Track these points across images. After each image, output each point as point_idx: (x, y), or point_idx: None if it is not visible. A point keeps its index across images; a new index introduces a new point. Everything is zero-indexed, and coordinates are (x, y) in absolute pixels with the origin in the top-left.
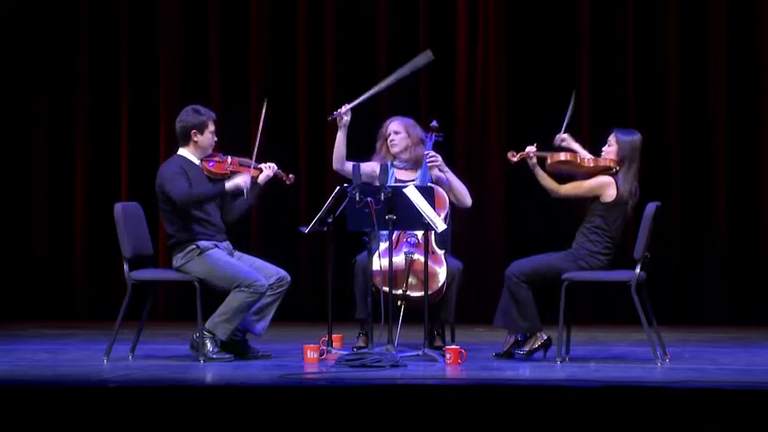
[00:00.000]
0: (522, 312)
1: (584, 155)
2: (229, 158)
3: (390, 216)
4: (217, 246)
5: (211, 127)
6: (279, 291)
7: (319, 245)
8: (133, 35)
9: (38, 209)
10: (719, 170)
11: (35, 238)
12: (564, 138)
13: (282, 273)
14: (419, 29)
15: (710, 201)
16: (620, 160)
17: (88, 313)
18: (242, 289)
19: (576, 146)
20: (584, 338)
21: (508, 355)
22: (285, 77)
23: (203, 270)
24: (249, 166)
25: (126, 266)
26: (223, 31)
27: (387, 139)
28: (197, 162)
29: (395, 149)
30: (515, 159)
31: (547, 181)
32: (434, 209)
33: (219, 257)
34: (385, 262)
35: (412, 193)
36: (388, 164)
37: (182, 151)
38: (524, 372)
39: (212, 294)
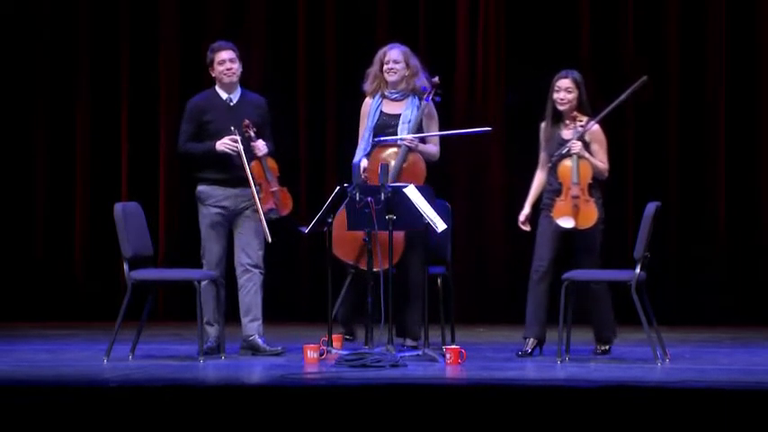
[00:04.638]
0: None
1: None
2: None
3: (390, 216)
4: (214, 207)
5: (217, 59)
6: (255, 282)
7: (319, 245)
8: (133, 35)
9: (38, 209)
10: (719, 170)
11: (35, 238)
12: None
13: (253, 266)
14: (419, 27)
15: (710, 201)
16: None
17: (88, 313)
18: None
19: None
20: (584, 338)
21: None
22: (285, 77)
23: (200, 220)
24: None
25: (126, 266)
26: (223, 32)
27: (384, 66)
28: (224, 96)
29: (392, 78)
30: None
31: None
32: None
33: (206, 225)
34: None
35: (412, 193)
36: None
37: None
38: (524, 372)
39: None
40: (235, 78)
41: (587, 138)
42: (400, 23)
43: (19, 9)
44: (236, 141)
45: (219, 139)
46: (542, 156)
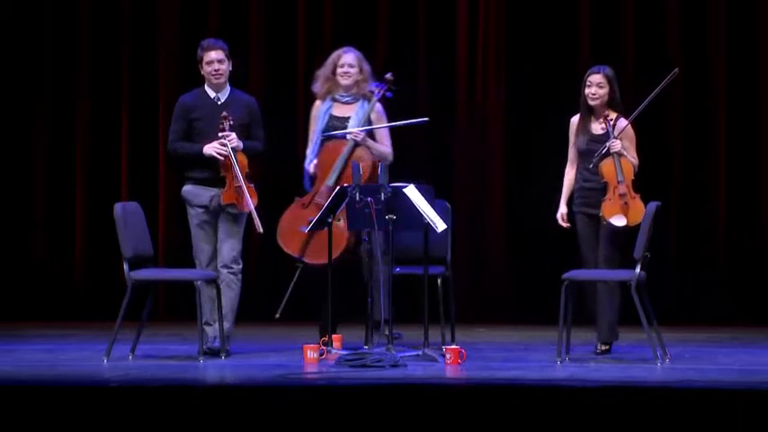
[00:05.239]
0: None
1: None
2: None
3: (390, 216)
4: (200, 207)
5: (206, 59)
6: (225, 282)
7: None
8: (133, 35)
9: (37, 209)
10: (719, 170)
11: (35, 238)
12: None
13: (223, 266)
14: (419, 27)
15: (710, 201)
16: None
17: (88, 313)
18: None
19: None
20: (584, 338)
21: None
22: (284, 78)
23: (189, 220)
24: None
25: (126, 266)
26: (223, 32)
27: (337, 69)
28: (212, 94)
29: (345, 82)
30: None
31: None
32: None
33: (194, 225)
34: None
35: (412, 193)
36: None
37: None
38: (524, 372)
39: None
40: (222, 80)
41: (618, 135)
42: (400, 23)
43: (19, 9)
44: (225, 145)
45: (207, 139)
46: (571, 152)
